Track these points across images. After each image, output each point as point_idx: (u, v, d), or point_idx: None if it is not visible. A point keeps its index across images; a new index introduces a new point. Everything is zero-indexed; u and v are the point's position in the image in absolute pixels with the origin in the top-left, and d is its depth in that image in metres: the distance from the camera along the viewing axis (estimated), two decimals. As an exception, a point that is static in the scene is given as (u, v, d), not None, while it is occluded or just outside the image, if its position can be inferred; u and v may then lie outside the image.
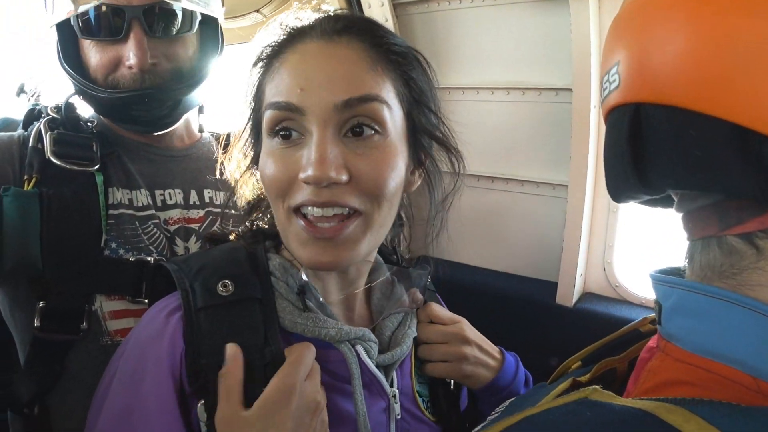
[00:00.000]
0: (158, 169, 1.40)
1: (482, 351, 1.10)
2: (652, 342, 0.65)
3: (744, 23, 0.47)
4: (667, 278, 0.62)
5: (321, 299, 0.92)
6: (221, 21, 1.44)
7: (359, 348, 0.91)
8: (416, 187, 0.99)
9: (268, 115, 0.84)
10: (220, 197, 1.46)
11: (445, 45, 2.19)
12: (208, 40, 1.41)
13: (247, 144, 0.98)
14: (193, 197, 1.42)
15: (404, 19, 2.22)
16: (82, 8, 1.22)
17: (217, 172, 1.09)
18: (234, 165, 1.03)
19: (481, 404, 1.12)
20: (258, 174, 0.98)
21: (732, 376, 0.52)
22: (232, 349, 0.82)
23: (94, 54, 1.27)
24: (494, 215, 2.29)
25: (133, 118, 1.31)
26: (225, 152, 1.05)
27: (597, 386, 0.58)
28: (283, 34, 0.90)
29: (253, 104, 0.93)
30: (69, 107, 1.33)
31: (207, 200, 1.44)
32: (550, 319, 2.04)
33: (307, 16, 0.92)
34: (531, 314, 2.08)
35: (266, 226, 1.04)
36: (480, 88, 2.15)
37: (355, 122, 0.82)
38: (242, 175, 1.02)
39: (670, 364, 0.58)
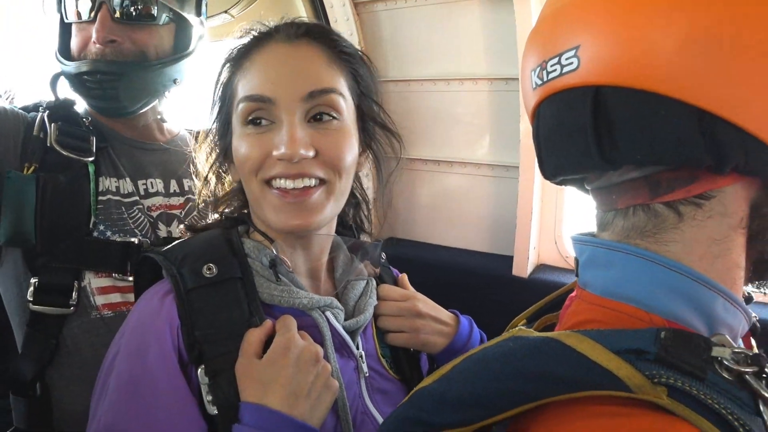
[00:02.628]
0: (140, 160, 1.49)
1: (436, 321, 1.20)
2: (573, 293, 0.78)
3: (704, 17, 0.55)
4: (582, 237, 0.75)
5: (290, 269, 1.04)
6: (196, 26, 1.51)
7: (328, 314, 1.04)
8: (365, 168, 1.14)
9: (242, 107, 0.98)
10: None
11: (404, 40, 2.28)
12: (179, 39, 1.49)
13: (214, 138, 1.11)
14: (173, 186, 1.52)
15: (365, 17, 2.31)
16: None
17: (191, 166, 1.19)
18: (203, 158, 1.15)
19: (441, 364, 1.21)
20: (225, 168, 1.12)
21: (631, 312, 0.64)
22: (267, 321, 0.96)
23: (73, 36, 1.39)
24: (454, 196, 2.37)
25: (88, 90, 1.38)
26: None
27: (521, 326, 0.71)
28: (249, 38, 1.04)
29: (222, 100, 1.06)
30: (68, 103, 1.43)
31: (186, 189, 1.53)
32: (507, 289, 2.14)
33: (268, 23, 1.05)
34: (490, 286, 2.18)
35: (236, 214, 1.16)
36: (437, 79, 2.25)
37: (317, 110, 0.97)
38: (212, 168, 1.14)
39: (584, 306, 0.71)
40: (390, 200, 1.21)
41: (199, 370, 0.92)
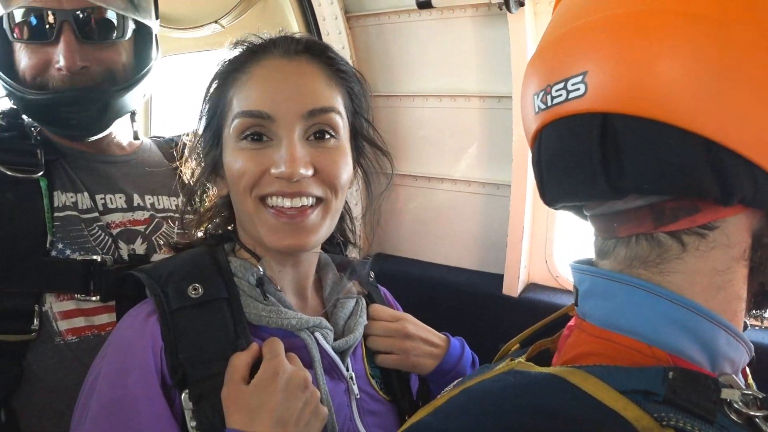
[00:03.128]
0: (98, 175, 1.40)
1: (426, 343, 1.19)
2: (572, 321, 0.76)
3: (711, 46, 0.55)
4: (582, 267, 0.73)
5: (278, 288, 1.03)
6: (156, 30, 1.44)
7: (318, 335, 1.02)
8: (354, 184, 1.12)
9: (238, 122, 0.96)
10: (163, 202, 1.48)
11: (396, 55, 2.28)
12: (143, 50, 1.41)
13: (203, 151, 1.08)
14: (137, 200, 1.43)
15: (357, 31, 2.31)
16: (12, 10, 1.22)
17: (176, 178, 1.16)
18: (189, 172, 1.13)
19: (432, 386, 1.21)
20: (211, 182, 1.09)
21: (632, 345, 0.63)
22: (253, 345, 0.94)
23: (23, 56, 1.27)
24: (444, 214, 2.37)
25: (62, 120, 1.29)
26: (181, 158, 1.15)
27: (521, 359, 0.70)
28: (242, 50, 1.02)
29: (213, 112, 1.03)
30: (13, 113, 1.33)
31: (149, 206, 1.45)
32: (497, 308, 2.14)
33: (263, 36, 1.04)
34: (480, 304, 2.18)
35: (220, 231, 1.14)
36: (429, 95, 2.25)
37: (316, 128, 0.97)
38: (198, 181, 1.11)
39: (584, 338, 0.69)
40: (379, 218, 1.19)
41: (183, 394, 0.89)
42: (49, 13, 1.21)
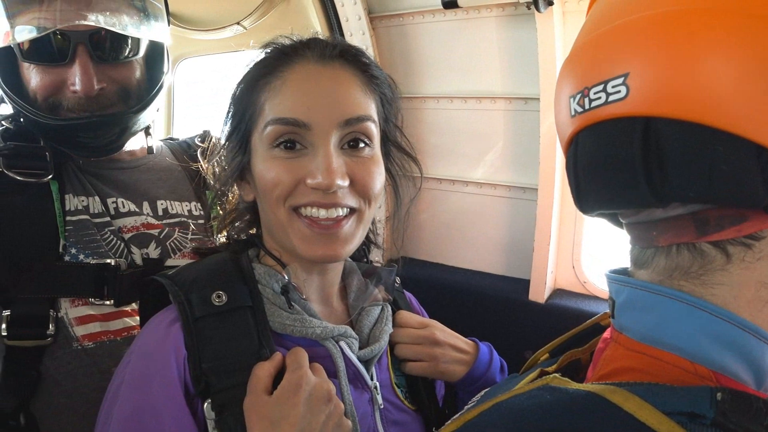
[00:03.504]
0: (108, 180, 1.40)
1: (454, 349, 1.17)
2: (607, 333, 0.73)
3: (766, 48, 0.52)
4: (619, 277, 0.69)
5: (303, 297, 1.01)
6: (168, 44, 1.43)
7: (342, 344, 1.00)
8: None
9: (272, 129, 0.94)
10: (175, 207, 1.47)
11: (420, 56, 2.26)
12: (155, 64, 1.41)
13: (229, 156, 1.06)
14: (146, 208, 1.42)
15: (380, 32, 2.29)
16: (24, 34, 1.19)
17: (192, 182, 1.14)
18: (212, 177, 1.12)
19: (460, 393, 1.19)
20: (236, 187, 1.08)
21: (673, 361, 0.60)
22: (277, 354, 0.93)
23: (35, 75, 1.25)
24: (469, 217, 2.34)
25: (79, 144, 1.30)
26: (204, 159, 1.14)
27: (557, 374, 0.67)
28: (272, 52, 1.00)
29: (241, 117, 1.01)
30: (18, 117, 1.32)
31: (161, 212, 1.44)
32: (523, 314, 2.10)
33: (292, 38, 1.02)
34: (506, 310, 2.14)
35: (244, 236, 1.13)
36: (453, 97, 2.22)
37: (351, 137, 0.95)
38: (224, 186, 1.10)
39: (621, 352, 0.66)
40: (407, 225, 1.17)
41: (206, 404, 0.89)
42: (65, 34, 1.20)
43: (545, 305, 2.09)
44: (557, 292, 2.16)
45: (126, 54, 1.30)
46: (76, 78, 1.22)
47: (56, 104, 1.26)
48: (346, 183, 0.92)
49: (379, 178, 0.98)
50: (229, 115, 1.05)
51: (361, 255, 1.23)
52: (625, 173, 0.61)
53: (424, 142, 2.34)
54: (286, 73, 0.96)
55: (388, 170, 1.09)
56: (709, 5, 0.55)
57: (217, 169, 1.12)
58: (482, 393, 0.90)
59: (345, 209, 0.94)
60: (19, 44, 1.22)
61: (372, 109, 0.98)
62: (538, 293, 2.10)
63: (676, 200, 0.59)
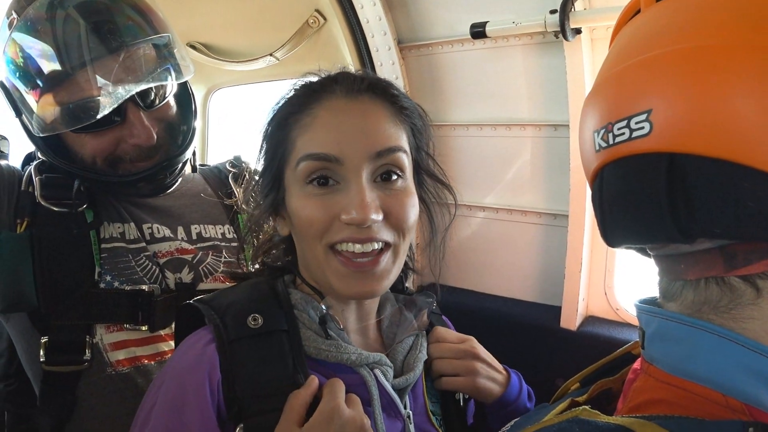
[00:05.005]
0: (143, 206, 1.44)
1: (491, 367, 1.17)
2: (637, 364, 0.73)
3: None
4: (648, 308, 0.69)
5: (341, 327, 1.01)
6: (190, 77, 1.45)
7: (377, 372, 1.00)
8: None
9: (304, 165, 0.95)
10: (209, 231, 1.50)
11: (450, 85, 2.27)
12: (180, 96, 1.45)
13: (262, 192, 1.08)
14: (181, 233, 1.46)
15: (409, 61, 2.31)
16: (79, 117, 1.22)
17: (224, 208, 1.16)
18: (247, 215, 1.14)
19: (491, 419, 1.18)
20: (272, 220, 1.09)
21: (705, 394, 0.60)
22: (312, 379, 0.92)
23: (89, 140, 1.30)
24: (500, 244, 2.33)
25: (141, 190, 1.37)
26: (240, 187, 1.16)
27: (586, 406, 0.67)
28: (302, 89, 1.02)
29: (274, 154, 1.03)
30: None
31: (195, 236, 1.47)
32: (555, 341, 2.08)
33: (320, 74, 1.04)
34: (537, 337, 2.12)
35: (279, 263, 1.14)
36: (483, 124, 2.22)
37: (384, 170, 0.95)
38: (258, 222, 1.13)
39: (651, 384, 0.66)
40: (444, 253, 1.17)
41: (238, 429, 0.89)
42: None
43: (577, 333, 2.06)
44: (589, 320, 2.13)
45: (164, 97, 1.35)
46: (135, 133, 1.28)
47: (117, 160, 1.31)
48: (380, 217, 0.92)
49: (413, 210, 0.98)
50: (262, 152, 1.07)
51: (397, 283, 1.22)
52: (650, 209, 0.61)
53: (453, 170, 2.34)
54: (316, 109, 0.97)
55: (422, 199, 1.09)
56: (730, 42, 0.55)
57: (252, 205, 1.14)
58: (512, 423, 0.89)
59: (380, 243, 0.94)
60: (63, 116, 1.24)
61: (403, 139, 0.99)
62: (570, 320, 2.08)
63: (703, 236, 0.60)
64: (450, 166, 2.33)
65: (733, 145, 0.54)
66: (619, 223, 0.68)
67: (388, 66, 2.30)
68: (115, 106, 1.21)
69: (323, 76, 1.03)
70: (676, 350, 0.64)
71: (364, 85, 0.99)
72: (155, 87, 1.31)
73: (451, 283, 2.48)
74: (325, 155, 0.93)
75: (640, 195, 0.63)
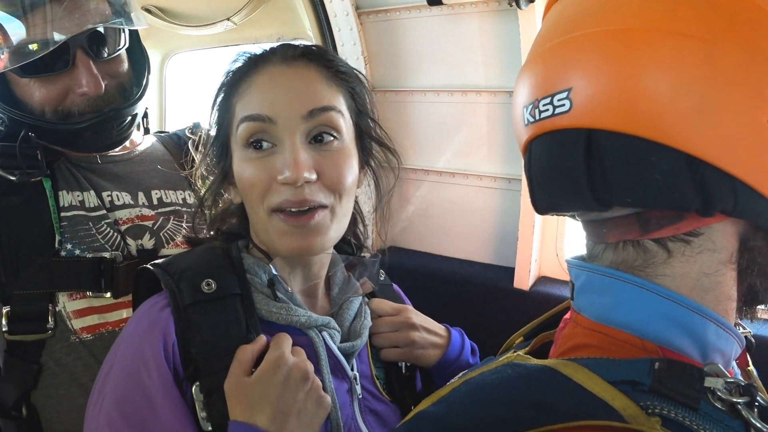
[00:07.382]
0: (102, 173, 1.43)
1: (429, 332, 1.21)
2: (567, 314, 0.79)
3: (702, 70, 0.57)
4: (578, 262, 0.76)
5: (289, 289, 1.05)
6: (144, 26, 1.44)
7: (325, 334, 1.04)
8: (363, 184, 1.15)
9: (242, 128, 0.98)
10: (169, 196, 1.51)
11: (407, 50, 2.29)
12: (137, 52, 1.45)
13: (212, 161, 1.11)
14: (141, 198, 1.46)
15: (368, 27, 2.31)
16: (24, 55, 1.20)
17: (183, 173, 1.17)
18: (200, 182, 1.17)
19: (437, 379, 1.23)
20: (222, 190, 1.12)
21: (624, 339, 0.66)
22: (261, 337, 0.96)
23: (38, 88, 1.28)
24: (456, 207, 2.37)
25: (86, 142, 1.35)
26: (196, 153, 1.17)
27: (520, 352, 0.73)
28: (245, 61, 1.05)
29: (220, 123, 1.06)
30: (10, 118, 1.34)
31: (156, 201, 1.48)
32: (508, 301, 2.14)
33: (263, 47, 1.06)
34: (491, 297, 2.18)
35: (234, 229, 1.16)
36: (440, 90, 2.25)
37: (318, 130, 0.98)
38: (210, 189, 1.14)
39: (578, 331, 0.72)
40: (389, 216, 1.20)
41: (194, 387, 0.92)
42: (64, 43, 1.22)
43: (530, 292, 2.13)
44: (541, 280, 2.20)
45: (116, 48, 1.34)
46: (83, 80, 1.26)
47: (66, 111, 1.30)
48: (314, 176, 0.94)
49: (349, 171, 1.00)
50: (211, 122, 1.09)
51: (350, 251, 1.25)
52: (570, 181, 0.67)
53: (411, 135, 2.37)
54: (254, 76, 1.00)
55: (368, 164, 1.13)
56: (644, 25, 0.60)
57: (205, 173, 1.16)
58: (459, 375, 0.94)
59: (315, 204, 0.96)
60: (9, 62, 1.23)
61: (338, 101, 1.01)
62: (523, 281, 2.14)
63: (616, 205, 0.65)
64: (407, 132, 2.36)
65: (643, 123, 0.59)
66: (545, 193, 0.74)
67: (346, 31, 2.30)
68: (60, 43, 1.20)
69: (266, 50, 1.06)
70: (601, 300, 0.70)
71: (298, 51, 1.02)
72: (107, 38, 1.30)
73: (411, 246, 2.54)
74: (258, 115, 0.96)
75: (561, 168, 0.68)
